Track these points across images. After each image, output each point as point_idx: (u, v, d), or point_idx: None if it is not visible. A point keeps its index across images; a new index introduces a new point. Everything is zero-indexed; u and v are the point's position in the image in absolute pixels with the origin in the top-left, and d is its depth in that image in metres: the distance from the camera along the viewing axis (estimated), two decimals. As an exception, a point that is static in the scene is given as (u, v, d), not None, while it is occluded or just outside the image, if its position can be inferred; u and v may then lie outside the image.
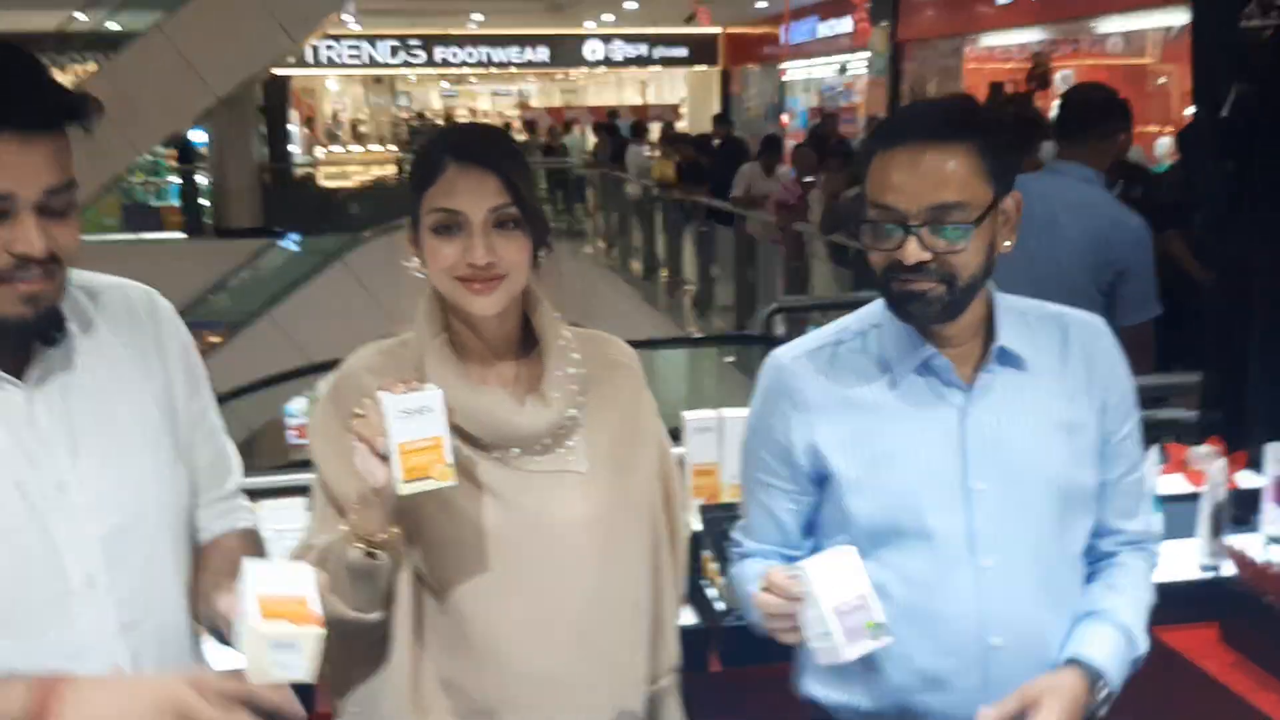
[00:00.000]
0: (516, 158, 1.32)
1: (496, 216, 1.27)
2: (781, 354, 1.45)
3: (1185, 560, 2.13)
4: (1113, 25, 9.38)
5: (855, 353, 1.41)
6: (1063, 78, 9.10)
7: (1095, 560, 1.46)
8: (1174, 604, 1.99)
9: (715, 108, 18.60)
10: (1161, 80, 9.13)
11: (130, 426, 1.23)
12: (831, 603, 1.17)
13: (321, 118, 22.89)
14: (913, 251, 1.28)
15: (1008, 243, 1.35)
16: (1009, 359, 1.37)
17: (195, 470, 1.32)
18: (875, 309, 1.42)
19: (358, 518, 1.23)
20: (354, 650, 1.33)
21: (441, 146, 1.31)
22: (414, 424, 1.17)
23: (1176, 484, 2.39)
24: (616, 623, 1.35)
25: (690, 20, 12.72)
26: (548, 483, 1.33)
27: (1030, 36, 10.42)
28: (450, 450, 1.19)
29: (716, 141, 10.87)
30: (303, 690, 1.72)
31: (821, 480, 1.40)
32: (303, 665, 1.10)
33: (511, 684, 1.30)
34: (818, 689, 1.45)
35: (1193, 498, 2.27)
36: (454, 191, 1.27)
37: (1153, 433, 2.52)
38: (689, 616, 1.94)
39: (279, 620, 1.09)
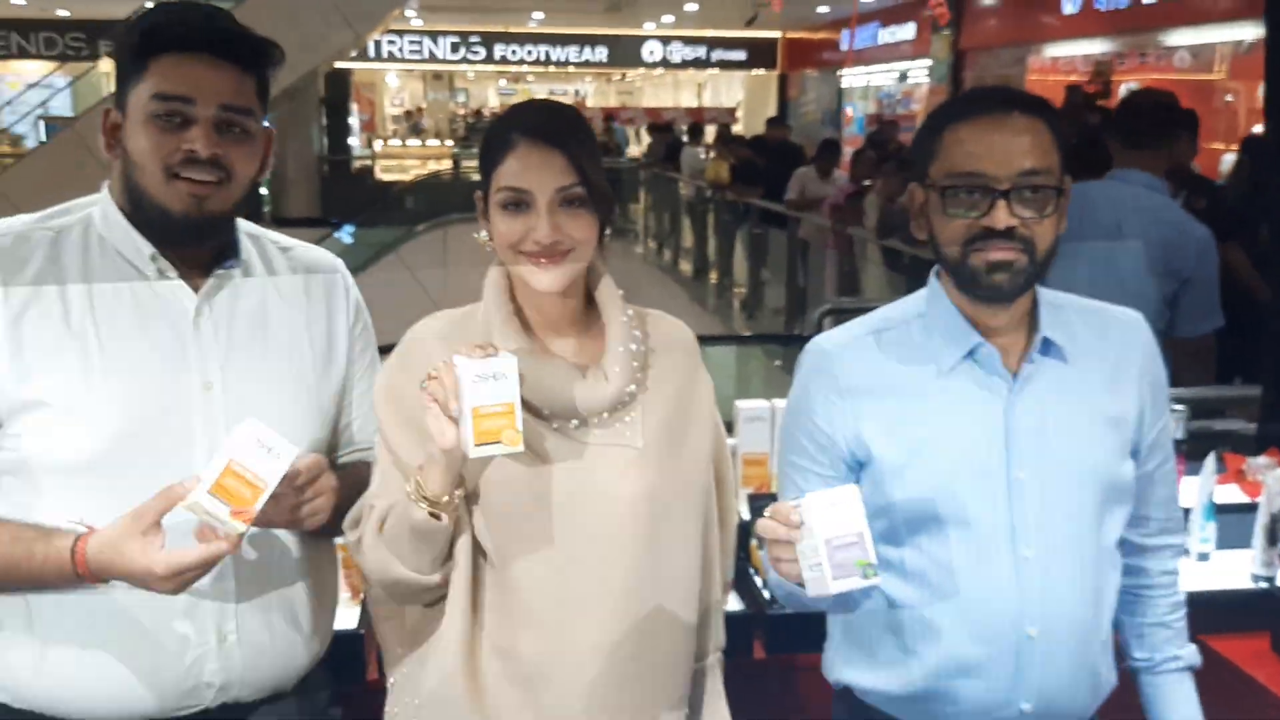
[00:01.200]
0: (584, 136, 1.33)
1: (563, 195, 1.29)
2: (823, 340, 1.45)
3: (1239, 570, 2.12)
4: (1181, 38, 9.22)
5: (899, 341, 1.41)
6: (1127, 90, 8.96)
7: (1125, 554, 1.46)
8: (1227, 613, 1.99)
9: (772, 112, 18.56)
10: (1229, 97, 8.95)
11: (280, 355, 1.40)
12: (826, 534, 1.17)
13: (381, 111, 23.21)
14: (1003, 216, 1.28)
15: (1062, 229, 1.35)
16: (1052, 350, 1.38)
17: (349, 422, 1.50)
18: (918, 300, 1.43)
19: (423, 478, 1.26)
20: (409, 618, 1.37)
21: (511, 124, 1.33)
22: (488, 389, 1.20)
23: (1232, 494, 2.39)
24: (666, 596, 1.36)
25: (752, 22, 12.68)
26: (605, 455, 1.34)
27: (1096, 48, 10.27)
28: (520, 417, 1.22)
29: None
30: (353, 657, 1.79)
31: (861, 465, 1.40)
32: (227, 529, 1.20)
33: (561, 651, 1.31)
34: (848, 673, 1.46)
35: (1249, 508, 2.25)
36: (522, 170, 1.29)
37: (1211, 443, 2.51)
38: (734, 603, 1.97)
39: (219, 502, 1.18)
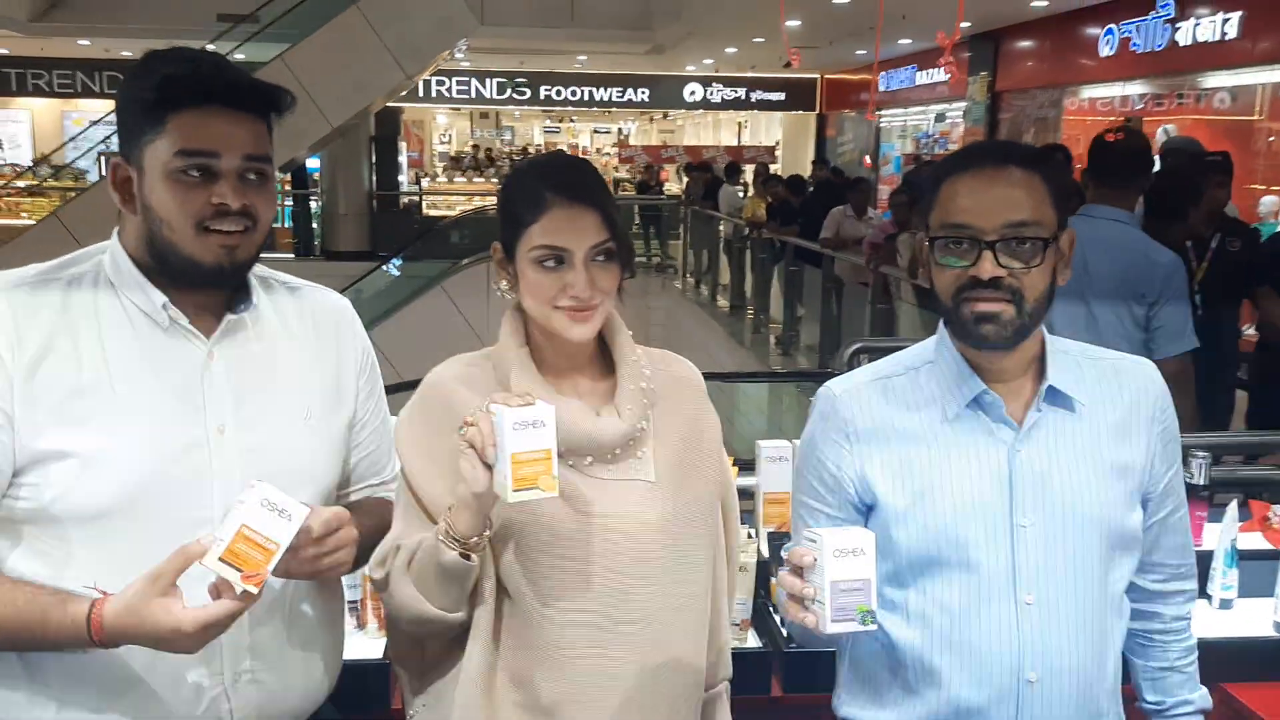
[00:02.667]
0: (607, 190, 1.40)
1: (596, 251, 1.35)
2: (835, 384, 1.48)
3: (1262, 618, 2.11)
4: (1219, 80, 9.16)
5: (907, 387, 1.43)
6: (1164, 131, 8.91)
7: (1137, 599, 1.48)
8: (1249, 661, 1.99)
9: (810, 150, 18.63)
10: (1271, 139, 8.86)
11: (290, 398, 1.42)
12: (834, 575, 1.18)
13: (430, 148, 23.62)
14: (988, 266, 1.31)
15: (1063, 280, 1.38)
16: (1059, 399, 1.39)
17: (359, 459, 1.52)
18: (929, 346, 1.45)
19: (453, 520, 1.28)
20: (429, 650, 1.40)
21: (541, 181, 1.36)
22: (528, 437, 1.23)
23: (1256, 541, 2.36)
24: (680, 627, 1.40)
25: (788, 66, 12.81)
26: (619, 490, 1.38)
27: (1133, 90, 10.23)
28: (556, 464, 1.24)
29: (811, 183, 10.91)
30: (380, 687, 1.85)
31: (868, 509, 1.43)
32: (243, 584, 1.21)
33: (578, 681, 1.34)
34: (855, 710, 1.48)
35: (1273, 555, 2.25)
36: (559, 230, 1.33)
37: (1239, 489, 2.51)
38: (753, 640, 1.99)
39: (230, 567, 1.19)
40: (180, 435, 1.32)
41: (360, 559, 1.40)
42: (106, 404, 1.30)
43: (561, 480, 1.35)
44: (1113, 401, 1.41)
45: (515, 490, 1.23)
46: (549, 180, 1.36)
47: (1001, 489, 1.37)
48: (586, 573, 1.35)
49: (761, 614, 2.04)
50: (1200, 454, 2.35)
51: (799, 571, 1.22)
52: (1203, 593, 2.01)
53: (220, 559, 1.19)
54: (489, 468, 1.24)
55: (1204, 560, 2.11)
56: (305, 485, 1.38)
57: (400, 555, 1.34)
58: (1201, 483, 2.34)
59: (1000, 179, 1.33)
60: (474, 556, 1.30)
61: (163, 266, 1.33)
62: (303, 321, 1.47)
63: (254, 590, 1.20)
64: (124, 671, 1.30)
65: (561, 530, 1.35)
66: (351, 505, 1.47)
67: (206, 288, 1.36)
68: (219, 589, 1.21)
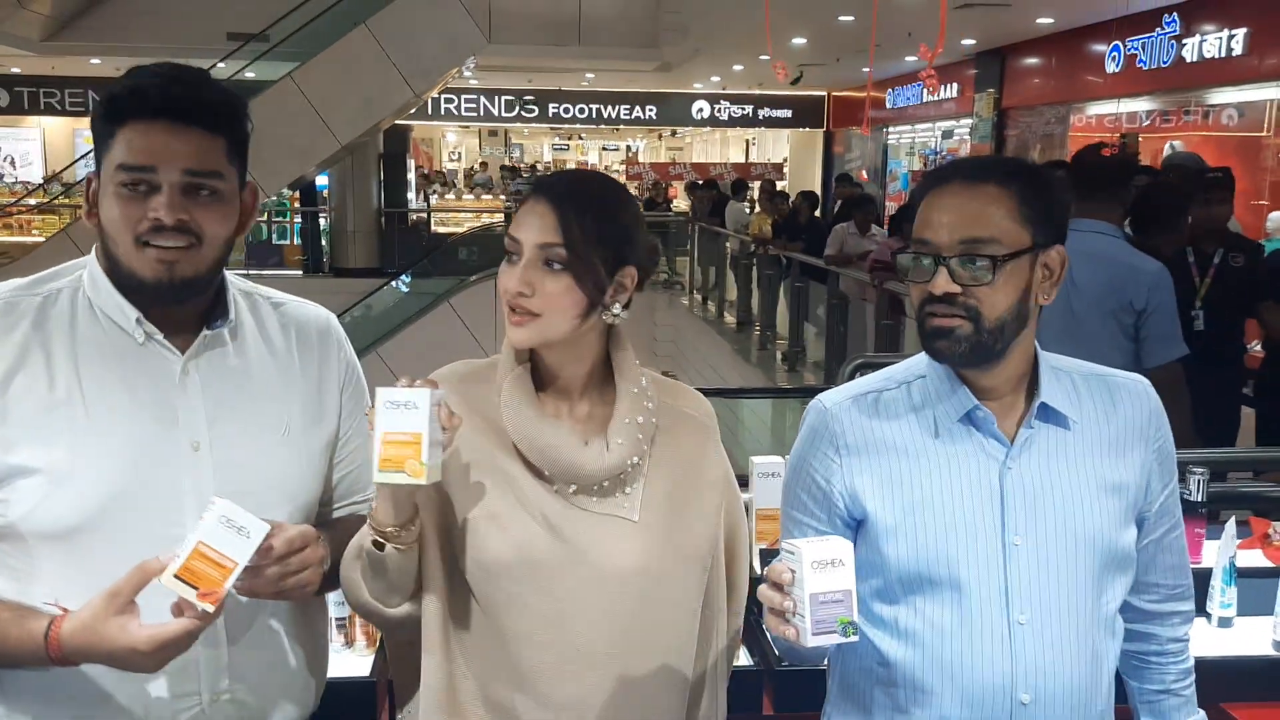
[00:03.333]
0: (590, 203, 1.32)
1: (544, 254, 1.30)
2: (826, 398, 1.46)
3: (1261, 637, 2.08)
4: (1226, 96, 9.16)
5: (898, 401, 1.42)
6: (1171, 147, 8.90)
7: (1133, 620, 1.47)
8: (1247, 681, 1.97)
9: (818, 167, 18.67)
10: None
11: (268, 415, 1.40)
12: (813, 588, 1.17)
13: (438, 165, 23.76)
14: (941, 282, 1.30)
15: (1045, 300, 1.36)
16: (1052, 416, 1.38)
17: (341, 476, 1.49)
18: (920, 361, 1.44)
19: (374, 507, 1.28)
20: (413, 658, 1.39)
21: (537, 182, 1.37)
22: (398, 417, 1.19)
23: (1256, 559, 2.34)
24: (654, 665, 1.36)
25: (797, 83, 12.86)
26: (599, 524, 1.34)
27: (1140, 106, 10.23)
28: (430, 451, 1.20)
29: (839, 201, 10.90)
30: (365, 703, 1.84)
31: (858, 524, 1.41)
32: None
33: (548, 708, 1.32)
34: None
35: (1273, 573, 2.22)
36: (519, 223, 1.32)
37: (1241, 505, 2.49)
38: (744, 658, 1.98)
39: (187, 585, 1.17)
40: (152, 452, 1.31)
41: (333, 577, 1.38)
42: (77, 421, 1.28)
43: (540, 505, 1.34)
44: (1106, 418, 1.40)
45: (380, 470, 1.20)
46: (540, 180, 1.38)
47: (993, 506, 1.35)
48: (557, 600, 1.32)
49: (754, 631, 2.02)
50: (1198, 470, 2.33)
51: (779, 586, 1.20)
52: (1201, 611, 1.98)
53: (176, 576, 1.17)
54: None
55: (1203, 578, 2.09)
56: (282, 502, 1.37)
57: (354, 540, 1.34)
58: (1199, 499, 2.32)
59: (966, 194, 1.32)
60: (389, 547, 1.28)
61: (118, 281, 1.32)
62: (285, 336, 1.45)
63: (209, 609, 1.18)
64: (99, 688, 1.29)
65: (534, 555, 1.32)
66: (332, 522, 1.46)
67: (160, 304, 1.33)
68: (180, 607, 1.19)
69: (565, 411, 1.38)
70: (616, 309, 1.36)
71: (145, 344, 1.34)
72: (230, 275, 1.44)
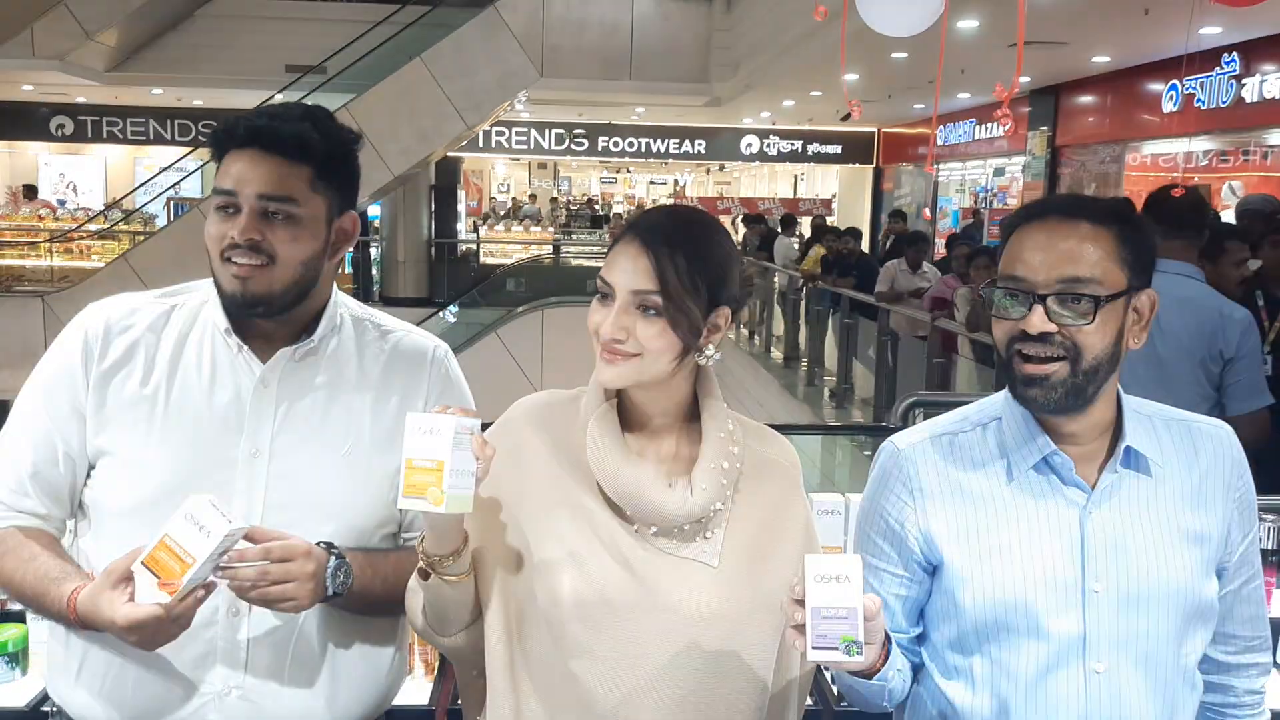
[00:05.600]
0: (685, 245, 1.29)
1: (639, 300, 1.29)
2: (899, 439, 1.44)
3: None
4: (1286, 137, 9.00)
5: (974, 444, 1.39)
6: (1230, 188, 8.76)
7: (1209, 671, 1.43)
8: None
9: (867, 202, 18.60)
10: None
11: (333, 434, 1.46)
12: (815, 602, 1.15)
13: (488, 197, 24.07)
14: (1038, 321, 1.28)
15: (1135, 344, 1.34)
16: (1136, 462, 1.35)
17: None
18: (996, 402, 1.41)
19: (422, 535, 1.30)
20: (470, 682, 1.40)
21: (632, 221, 1.35)
22: (425, 442, 1.20)
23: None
24: (724, 711, 1.34)
25: (847, 119, 12.87)
26: (678, 568, 1.33)
27: (1198, 145, 10.09)
28: (454, 479, 1.20)
29: (890, 238, 10.87)
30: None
31: (933, 569, 1.39)
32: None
33: None
34: None
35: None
36: (612, 264, 1.31)
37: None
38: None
39: (149, 573, 1.25)
40: (212, 452, 1.42)
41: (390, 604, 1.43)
42: (155, 415, 1.43)
43: (620, 545, 1.32)
44: (1189, 466, 1.37)
45: (404, 496, 1.21)
46: (637, 219, 1.35)
47: (1073, 553, 1.32)
48: (630, 640, 1.31)
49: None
50: (1269, 517, 2.27)
51: (800, 602, 1.19)
52: (1278, 663, 1.92)
53: (143, 564, 1.26)
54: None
55: (1277, 628, 2.02)
56: (330, 519, 1.43)
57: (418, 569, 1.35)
58: (1272, 547, 2.25)
59: (1062, 232, 1.30)
60: (433, 575, 1.29)
61: (219, 295, 1.46)
62: (377, 362, 1.53)
63: (166, 597, 1.25)
64: (129, 653, 1.40)
65: (609, 594, 1.31)
66: (404, 549, 1.50)
67: (241, 316, 1.44)
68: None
69: (650, 451, 1.37)
70: (710, 350, 1.34)
71: (239, 354, 1.46)
72: (346, 299, 1.54)
